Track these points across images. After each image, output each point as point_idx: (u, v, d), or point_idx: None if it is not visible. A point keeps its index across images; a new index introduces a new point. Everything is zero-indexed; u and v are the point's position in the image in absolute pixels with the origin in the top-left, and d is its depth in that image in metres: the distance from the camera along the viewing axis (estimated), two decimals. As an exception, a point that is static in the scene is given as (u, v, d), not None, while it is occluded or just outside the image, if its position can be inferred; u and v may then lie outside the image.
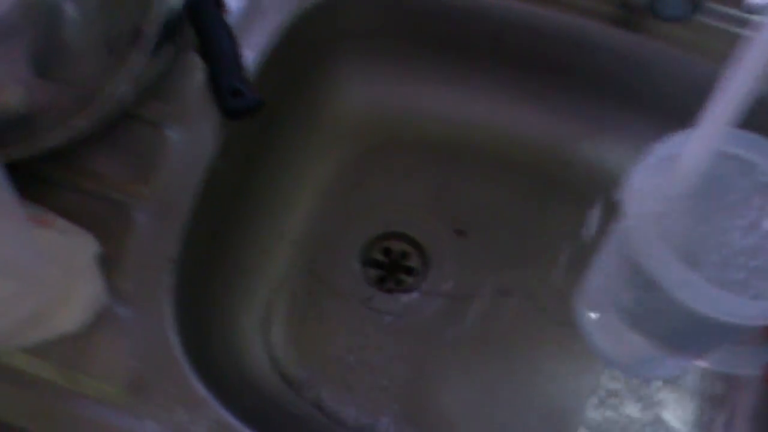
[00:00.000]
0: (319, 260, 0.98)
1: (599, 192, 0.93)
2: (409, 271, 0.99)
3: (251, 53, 0.88)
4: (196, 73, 0.83)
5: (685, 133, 0.62)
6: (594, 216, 0.93)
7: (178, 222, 0.78)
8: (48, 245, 0.68)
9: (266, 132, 0.89)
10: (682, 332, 0.67)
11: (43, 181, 0.79)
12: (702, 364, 0.72)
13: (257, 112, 0.83)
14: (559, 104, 1.00)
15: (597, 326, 0.78)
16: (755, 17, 0.89)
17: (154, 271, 0.75)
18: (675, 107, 0.90)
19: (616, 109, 0.97)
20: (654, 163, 0.64)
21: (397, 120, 1.06)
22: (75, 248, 0.70)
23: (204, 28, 0.85)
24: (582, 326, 0.78)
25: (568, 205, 1.00)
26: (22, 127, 0.71)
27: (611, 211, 0.66)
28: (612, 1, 0.91)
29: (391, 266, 0.99)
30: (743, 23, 0.89)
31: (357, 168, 1.04)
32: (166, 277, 0.76)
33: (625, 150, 0.98)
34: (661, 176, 0.62)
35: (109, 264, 0.74)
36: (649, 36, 0.90)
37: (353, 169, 1.04)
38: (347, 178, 1.04)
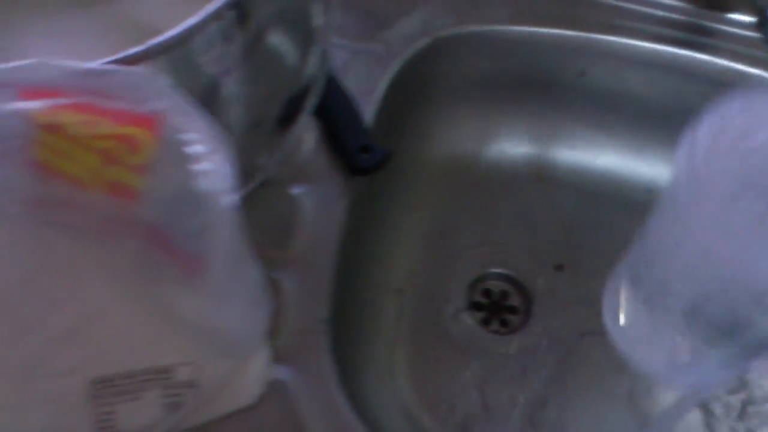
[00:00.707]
0: (424, 307, 0.98)
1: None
2: (512, 310, 0.98)
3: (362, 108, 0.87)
4: (311, 132, 0.83)
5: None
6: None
7: (324, 282, 0.76)
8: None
9: (370, 183, 0.89)
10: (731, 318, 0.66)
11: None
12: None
13: (385, 165, 0.82)
14: (638, 135, 1.01)
15: (629, 332, 0.77)
16: None
17: (308, 335, 0.73)
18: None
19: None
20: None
21: (488, 160, 1.07)
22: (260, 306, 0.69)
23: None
24: (613, 333, 0.78)
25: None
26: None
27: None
28: (697, 31, 0.92)
29: (494, 307, 0.98)
30: None
31: (450, 210, 1.05)
32: (321, 337, 0.73)
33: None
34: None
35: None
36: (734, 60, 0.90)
37: (447, 211, 1.05)
38: (442, 222, 1.04)
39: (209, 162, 0.52)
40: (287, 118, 0.74)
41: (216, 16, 0.59)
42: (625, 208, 1.03)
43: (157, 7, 0.85)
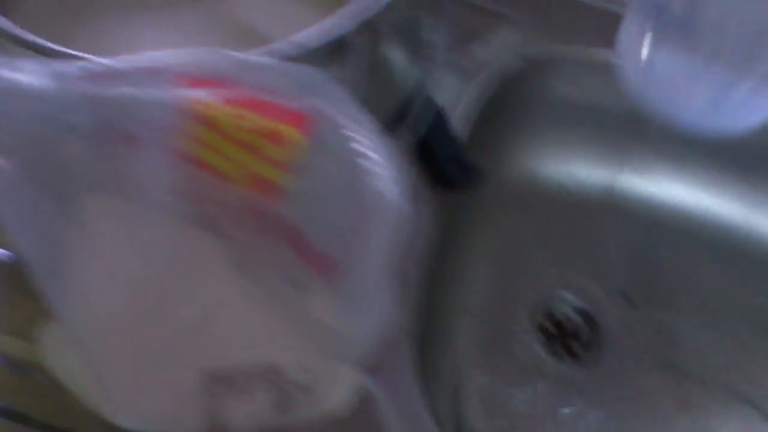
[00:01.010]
0: (491, 328, 0.98)
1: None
2: (578, 337, 0.98)
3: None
4: (402, 144, 0.83)
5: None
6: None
7: (409, 293, 0.76)
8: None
9: (452, 199, 0.90)
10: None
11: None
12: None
13: (476, 180, 0.83)
14: (712, 173, 1.02)
15: (652, 72, 0.78)
16: None
17: (392, 344, 0.73)
18: None
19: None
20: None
21: (564, 185, 1.07)
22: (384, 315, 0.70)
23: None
24: (633, 77, 0.80)
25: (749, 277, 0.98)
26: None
27: None
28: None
29: (560, 333, 0.98)
30: None
31: (523, 233, 1.05)
32: (404, 348, 0.74)
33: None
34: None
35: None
36: None
37: (520, 234, 1.05)
38: (514, 243, 1.04)
39: (378, 165, 0.51)
40: (388, 130, 0.74)
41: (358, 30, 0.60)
42: (696, 243, 1.03)
43: (260, 8, 0.86)
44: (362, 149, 0.51)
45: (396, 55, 0.74)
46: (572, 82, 1.00)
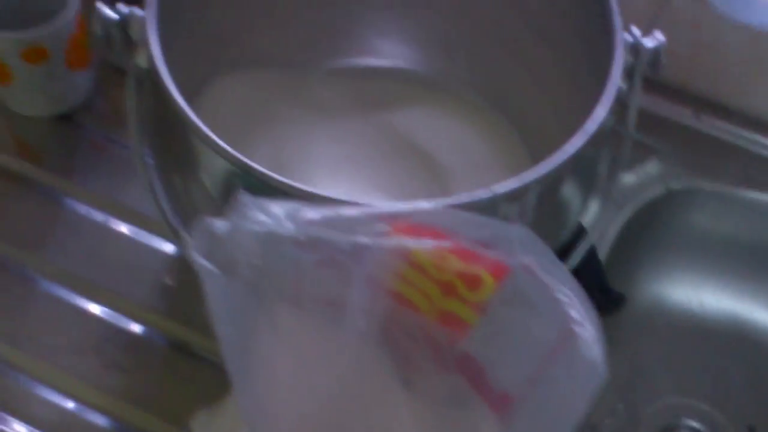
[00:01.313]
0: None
1: None
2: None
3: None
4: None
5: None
6: None
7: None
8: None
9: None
10: None
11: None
12: None
13: (619, 308, 0.87)
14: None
15: None
16: None
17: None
18: None
19: None
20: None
21: (691, 312, 1.08)
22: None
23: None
24: None
25: None
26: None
27: None
28: None
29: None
30: None
31: (649, 356, 1.06)
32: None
33: None
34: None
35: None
36: None
37: (645, 357, 1.06)
38: (639, 366, 1.05)
39: (585, 329, 0.55)
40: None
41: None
42: None
43: (423, 123, 0.93)
44: (572, 313, 0.55)
45: (572, 191, 0.77)
46: (710, 215, 1.04)
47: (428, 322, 0.58)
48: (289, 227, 0.54)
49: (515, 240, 0.55)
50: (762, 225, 1.03)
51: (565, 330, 0.55)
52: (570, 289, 0.55)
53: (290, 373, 0.61)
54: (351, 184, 0.87)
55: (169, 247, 0.93)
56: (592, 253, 0.88)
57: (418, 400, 0.62)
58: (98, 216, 0.96)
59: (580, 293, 0.55)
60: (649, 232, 1.03)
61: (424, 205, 0.58)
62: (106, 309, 0.90)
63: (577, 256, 0.80)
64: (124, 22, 0.70)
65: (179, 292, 0.92)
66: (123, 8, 0.70)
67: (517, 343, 0.57)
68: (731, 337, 1.07)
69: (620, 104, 0.73)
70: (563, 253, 0.80)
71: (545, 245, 0.56)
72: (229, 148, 0.63)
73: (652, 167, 1.02)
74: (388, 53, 0.97)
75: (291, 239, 0.53)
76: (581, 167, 0.76)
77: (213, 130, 0.73)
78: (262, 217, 0.53)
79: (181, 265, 0.93)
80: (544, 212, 0.72)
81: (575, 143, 0.66)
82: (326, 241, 0.53)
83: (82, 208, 0.96)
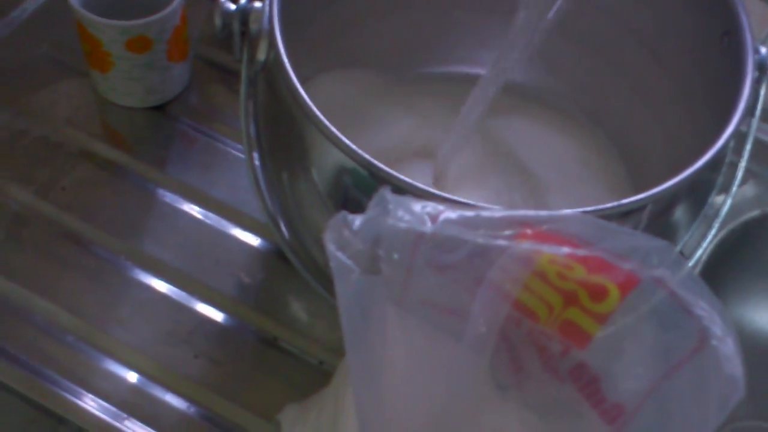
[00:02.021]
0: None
1: None
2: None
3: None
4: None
5: None
6: None
7: None
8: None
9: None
10: None
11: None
12: None
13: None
14: None
15: None
16: None
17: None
18: None
19: None
20: None
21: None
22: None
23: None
24: None
25: None
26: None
27: None
28: None
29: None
30: None
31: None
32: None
33: None
34: None
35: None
36: None
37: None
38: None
39: (727, 345, 0.54)
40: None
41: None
42: None
43: (520, 133, 0.95)
44: (712, 327, 0.55)
45: (681, 215, 0.77)
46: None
47: (546, 331, 0.58)
48: (429, 226, 0.52)
49: (653, 252, 0.54)
50: None
51: (698, 344, 0.54)
52: (710, 304, 0.54)
53: (410, 375, 0.61)
54: (450, 190, 0.87)
55: (258, 242, 0.95)
56: None
57: (529, 408, 0.62)
58: (190, 208, 0.97)
59: (720, 308, 0.54)
60: (741, 254, 1.03)
61: (564, 212, 0.59)
62: (196, 300, 0.91)
63: None
64: (245, 14, 0.71)
65: (268, 287, 0.93)
66: (243, 1, 0.71)
67: (637, 354, 0.57)
68: None
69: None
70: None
71: (684, 260, 0.55)
72: (351, 144, 0.65)
73: (748, 190, 1.02)
74: (485, 62, 0.93)
75: (432, 238, 0.52)
76: (693, 192, 0.75)
77: None
78: (404, 215, 0.52)
79: (270, 259, 0.95)
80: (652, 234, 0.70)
81: (698, 164, 0.66)
82: (464, 241, 0.53)
83: (175, 199, 0.98)
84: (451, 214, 0.53)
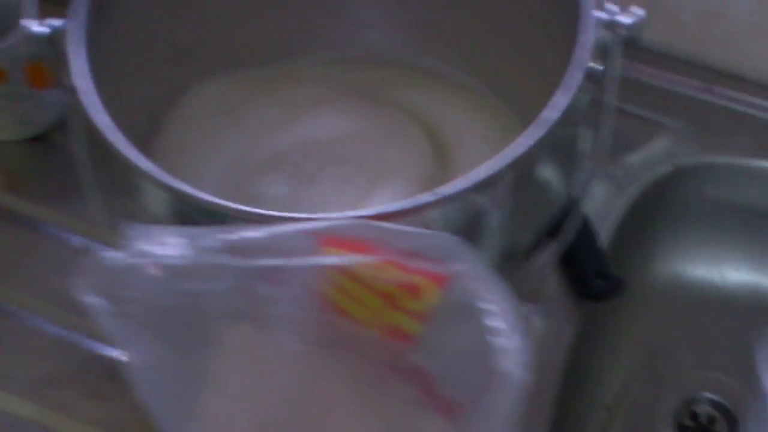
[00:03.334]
0: (630, 425, 0.98)
1: None
2: (718, 436, 0.93)
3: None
4: (545, 253, 0.83)
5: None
6: None
7: (545, 406, 0.77)
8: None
9: (599, 306, 0.90)
10: None
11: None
12: None
13: (619, 293, 0.82)
14: None
15: None
16: None
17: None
18: None
19: None
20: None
21: (707, 283, 1.06)
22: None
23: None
24: None
25: None
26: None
27: None
28: None
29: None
30: None
31: (665, 331, 1.04)
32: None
33: None
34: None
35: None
36: None
37: (661, 332, 1.04)
38: (655, 341, 1.03)
39: (509, 339, 0.53)
40: (539, 245, 0.76)
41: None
42: None
43: (417, 106, 0.91)
44: (493, 322, 0.53)
45: (550, 172, 0.74)
46: (724, 188, 1.01)
47: (374, 335, 0.57)
48: (187, 256, 0.49)
49: (446, 249, 0.53)
50: None
51: (489, 339, 0.53)
52: (499, 297, 0.53)
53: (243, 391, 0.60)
54: (346, 169, 0.85)
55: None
56: (590, 239, 0.88)
57: (371, 409, 0.61)
58: (76, 241, 0.93)
59: (509, 300, 0.54)
60: (663, 209, 1.01)
61: (343, 219, 0.56)
62: (84, 337, 0.87)
63: (566, 236, 0.79)
64: (55, 37, 0.65)
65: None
66: (54, 22, 0.65)
67: (460, 352, 0.56)
68: (753, 308, 1.05)
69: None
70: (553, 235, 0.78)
71: (474, 253, 0.54)
72: (150, 169, 0.60)
73: (659, 145, 0.98)
74: (370, 43, 0.94)
75: (188, 269, 0.48)
76: (559, 148, 0.73)
77: (183, 140, 0.70)
78: (153, 249, 0.48)
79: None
80: (524, 197, 0.70)
81: (533, 134, 0.63)
82: (228, 267, 0.49)
83: (60, 233, 0.94)
84: (212, 240, 0.51)
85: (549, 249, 0.78)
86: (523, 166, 0.64)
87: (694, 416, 0.99)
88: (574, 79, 0.66)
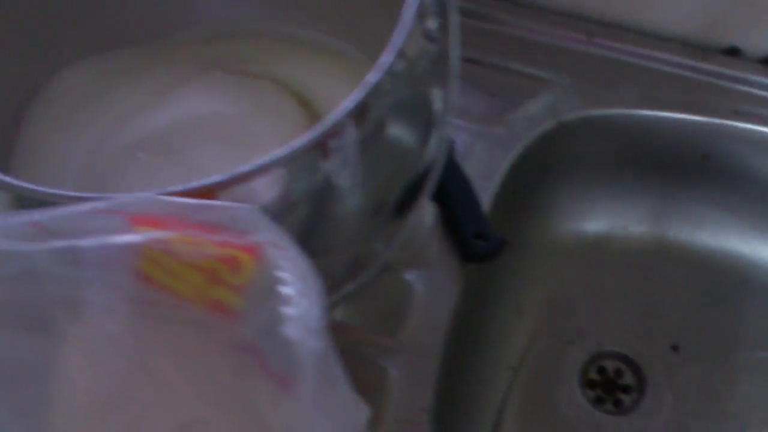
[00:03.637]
0: (537, 384, 0.98)
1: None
2: (626, 389, 0.98)
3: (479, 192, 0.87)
4: (428, 216, 0.83)
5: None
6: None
7: (430, 370, 0.77)
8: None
9: (488, 265, 0.89)
10: None
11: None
12: None
13: (500, 253, 0.82)
14: (762, 217, 0.99)
15: None
16: None
17: (412, 424, 0.74)
18: None
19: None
20: None
21: (605, 237, 1.06)
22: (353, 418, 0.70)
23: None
24: None
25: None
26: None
27: None
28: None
29: (608, 386, 0.98)
30: None
31: (567, 288, 1.04)
32: (424, 428, 0.74)
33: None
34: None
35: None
36: None
37: (563, 289, 1.04)
38: (558, 298, 1.04)
39: (297, 307, 0.52)
40: (406, 203, 0.75)
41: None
42: (746, 289, 1.01)
43: (282, 73, 0.90)
44: (286, 291, 0.52)
45: (401, 130, 0.73)
46: (613, 140, 1.01)
47: (199, 310, 0.56)
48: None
49: (247, 220, 0.53)
50: (659, 142, 1.00)
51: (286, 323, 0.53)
52: (294, 265, 0.53)
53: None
54: (214, 147, 0.84)
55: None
56: (470, 201, 0.88)
57: (204, 379, 0.61)
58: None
59: (305, 269, 0.53)
60: (551, 166, 1.01)
61: (133, 197, 0.55)
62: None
63: (426, 188, 0.79)
64: None
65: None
66: None
67: (275, 324, 0.54)
68: (652, 258, 1.07)
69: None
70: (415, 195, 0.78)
71: (272, 222, 0.53)
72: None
73: (543, 101, 0.97)
74: (239, 17, 0.94)
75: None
76: (407, 107, 0.72)
77: (46, 128, 0.70)
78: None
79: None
80: (377, 155, 0.70)
81: (354, 97, 0.62)
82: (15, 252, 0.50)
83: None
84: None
85: (418, 209, 0.76)
86: (340, 131, 0.63)
87: (601, 370, 0.97)
88: (398, 40, 0.65)
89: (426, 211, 0.85)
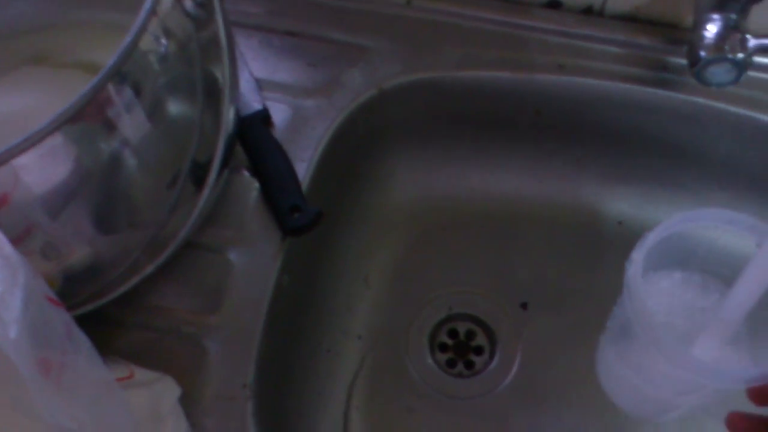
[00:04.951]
0: (387, 352, 0.99)
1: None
2: (478, 350, 0.99)
3: (301, 164, 0.89)
4: (249, 192, 0.83)
5: (689, 213, 0.69)
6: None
7: (250, 345, 0.77)
8: (134, 402, 0.67)
9: (322, 236, 0.89)
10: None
11: (110, 324, 0.79)
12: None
13: (317, 224, 0.82)
14: (605, 169, 0.99)
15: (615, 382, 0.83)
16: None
17: (232, 400, 0.74)
18: (725, 162, 0.95)
19: (663, 167, 0.97)
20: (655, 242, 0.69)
21: (448, 201, 1.07)
22: (159, 397, 0.70)
23: (254, 147, 0.87)
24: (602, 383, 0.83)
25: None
26: (91, 280, 0.71)
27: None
28: (652, 66, 0.91)
29: (459, 348, 0.99)
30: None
31: (414, 254, 1.05)
32: (244, 403, 0.74)
33: (677, 207, 0.97)
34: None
35: (187, 400, 0.75)
36: (692, 93, 0.91)
37: (410, 255, 1.05)
38: (405, 265, 1.04)
39: None
40: (200, 175, 0.75)
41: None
42: (594, 241, 1.02)
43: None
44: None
45: (184, 107, 0.75)
46: (438, 105, 1.01)
47: None
48: None
49: None
50: (486, 101, 1.00)
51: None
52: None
53: None
54: None
55: None
56: (286, 174, 0.88)
57: None
58: None
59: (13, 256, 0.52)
60: (372, 134, 1.01)
61: None
62: None
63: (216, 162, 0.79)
64: None
65: None
66: None
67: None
68: (496, 217, 1.08)
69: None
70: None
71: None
72: None
73: (362, 69, 0.97)
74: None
75: None
76: (186, 84, 0.73)
77: None
78: None
79: None
80: (161, 132, 0.71)
81: (93, 84, 0.63)
82: None
83: None
84: None
85: (213, 182, 0.77)
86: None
87: (453, 334, 0.99)
88: (138, 23, 0.67)
89: (249, 188, 0.83)
